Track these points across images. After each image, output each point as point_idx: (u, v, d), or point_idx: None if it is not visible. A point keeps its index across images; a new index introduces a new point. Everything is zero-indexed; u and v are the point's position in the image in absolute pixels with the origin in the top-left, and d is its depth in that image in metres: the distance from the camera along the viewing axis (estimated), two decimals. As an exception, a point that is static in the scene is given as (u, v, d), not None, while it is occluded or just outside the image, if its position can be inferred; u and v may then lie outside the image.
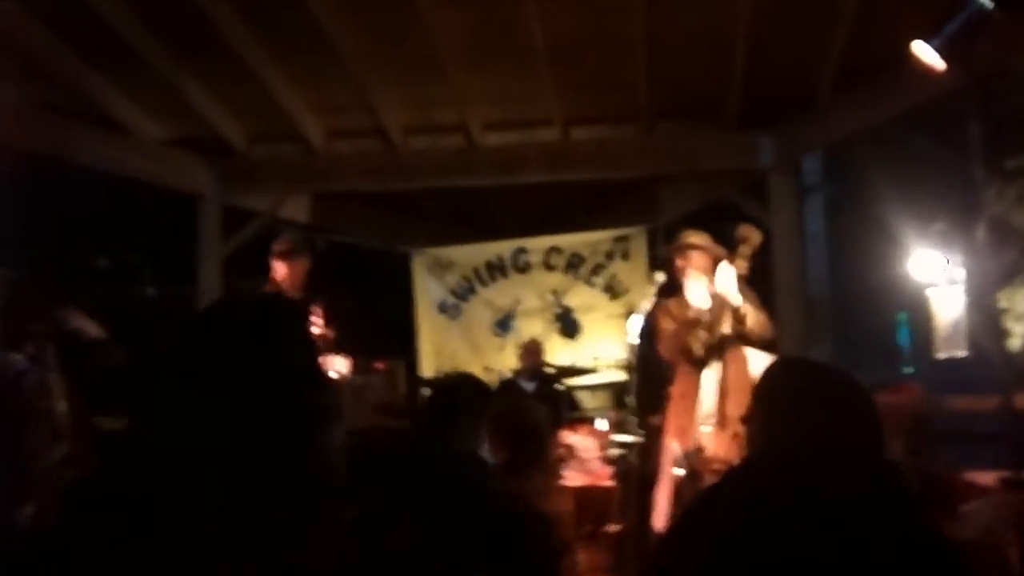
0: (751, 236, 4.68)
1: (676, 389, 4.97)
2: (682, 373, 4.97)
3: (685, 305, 4.94)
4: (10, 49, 5.69)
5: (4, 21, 5.38)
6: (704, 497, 2.28)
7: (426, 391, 7.84)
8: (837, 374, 2.24)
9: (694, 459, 4.42)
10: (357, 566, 2.45)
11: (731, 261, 4.69)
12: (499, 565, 2.58)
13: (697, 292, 4.76)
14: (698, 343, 4.71)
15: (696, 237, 5.02)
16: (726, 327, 4.65)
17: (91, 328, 4.93)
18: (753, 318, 4.67)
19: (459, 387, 3.33)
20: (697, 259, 4.94)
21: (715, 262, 4.90)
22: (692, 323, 4.75)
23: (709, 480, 4.29)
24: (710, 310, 4.68)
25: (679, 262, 4.98)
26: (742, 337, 4.64)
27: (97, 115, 6.57)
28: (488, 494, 2.80)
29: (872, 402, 2.12)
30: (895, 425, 3.62)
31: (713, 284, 4.80)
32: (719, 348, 4.66)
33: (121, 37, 5.61)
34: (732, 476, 2.27)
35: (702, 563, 1.93)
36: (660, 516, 4.95)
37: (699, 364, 4.77)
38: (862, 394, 2.12)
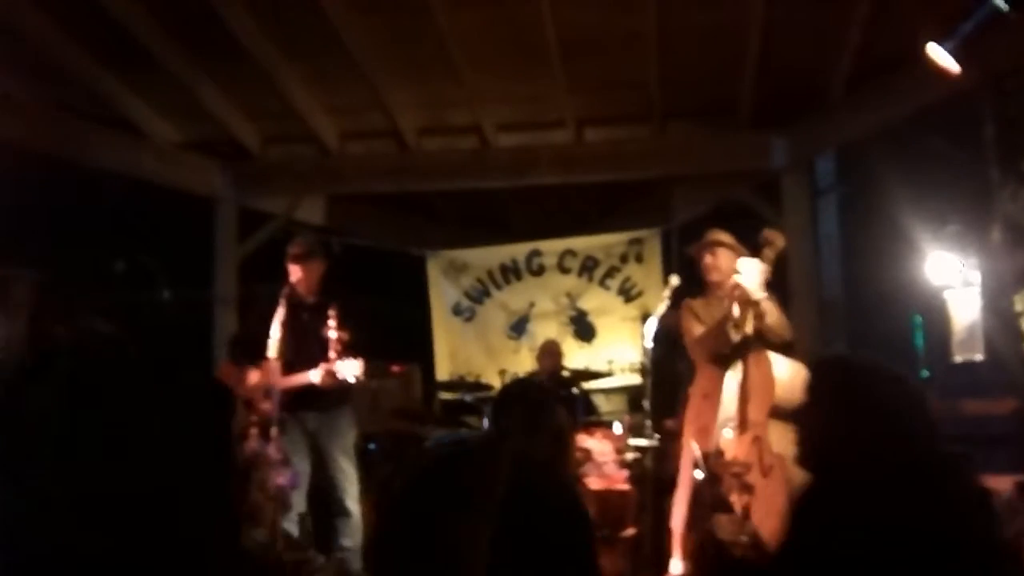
0: (776, 240, 4.66)
1: (698, 389, 4.95)
2: (704, 374, 4.95)
3: (714, 307, 4.93)
4: (27, 52, 5.74)
5: (20, 23, 5.42)
6: (809, 522, 2.19)
7: (448, 395, 7.88)
8: (894, 370, 2.23)
9: (714, 462, 4.41)
10: None
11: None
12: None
13: (751, 272, 4.64)
14: (730, 340, 4.67)
15: (724, 235, 5.02)
16: (749, 326, 4.62)
17: (106, 327, 4.97)
18: (774, 316, 4.65)
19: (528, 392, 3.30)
20: (724, 257, 4.94)
21: (737, 258, 4.90)
22: (723, 322, 4.71)
23: (728, 483, 4.29)
24: (739, 307, 4.64)
25: (708, 259, 4.97)
26: (762, 337, 4.62)
27: (113, 118, 6.61)
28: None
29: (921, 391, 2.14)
30: None
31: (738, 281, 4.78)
32: (743, 348, 4.64)
33: (137, 40, 5.64)
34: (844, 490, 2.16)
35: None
36: (678, 518, 4.94)
37: (725, 364, 4.75)
38: (918, 388, 2.14)
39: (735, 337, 4.64)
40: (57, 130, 6.52)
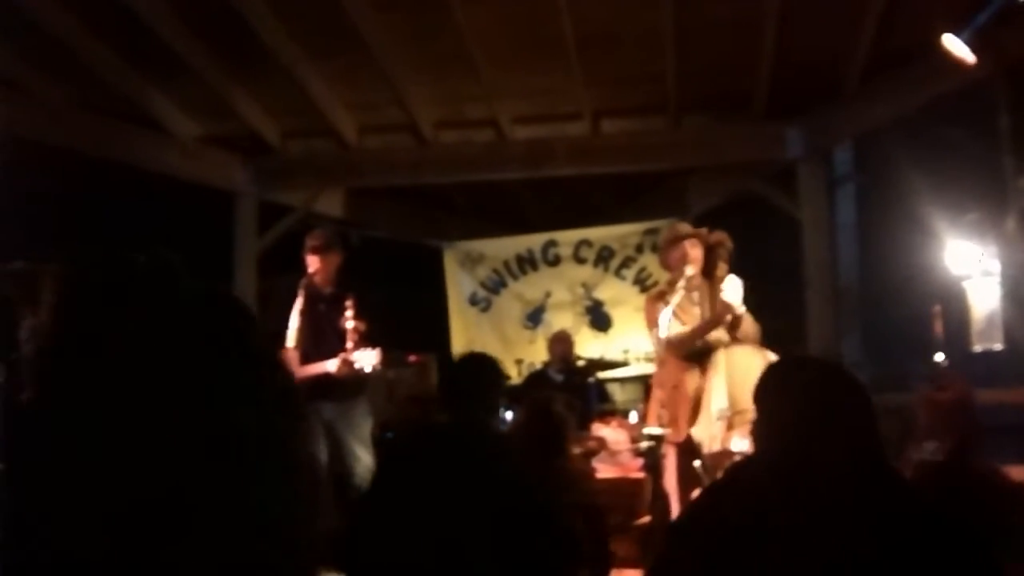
0: (724, 240, 4.95)
1: (664, 380, 5.02)
2: (672, 364, 5.02)
3: (684, 299, 5.00)
4: (52, 49, 5.83)
5: (46, 22, 5.50)
6: (707, 494, 2.33)
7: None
8: (829, 370, 2.31)
9: (711, 453, 4.48)
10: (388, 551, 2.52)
11: (712, 263, 4.87)
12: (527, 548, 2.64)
13: (737, 289, 4.82)
14: (708, 342, 4.83)
15: (687, 227, 5.18)
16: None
17: None
18: (747, 324, 4.79)
19: (471, 364, 3.35)
20: (699, 248, 5.04)
21: (707, 250, 5.01)
22: (718, 319, 4.85)
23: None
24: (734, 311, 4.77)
25: (690, 250, 5.04)
26: (733, 337, 4.78)
27: (136, 115, 6.70)
28: (520, 475, 2.86)
29: (864, 396, 2.15)
30: (934, 422, 3.60)
31: (700, 282, 4.94)
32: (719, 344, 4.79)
33: (160, 38, 5.71)
34: (734, 474, 2.33)
35: (704, 558, 1.99)
36: (676, 510, 4.99)
37: (695, 358, 4.87)
38: (854, 390, 2.16)
39: (724, 339, 4.79)
40: (81, 126, 6.61)
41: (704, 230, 5.14)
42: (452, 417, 3.04)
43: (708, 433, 4.60)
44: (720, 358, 4.75)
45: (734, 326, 4.79)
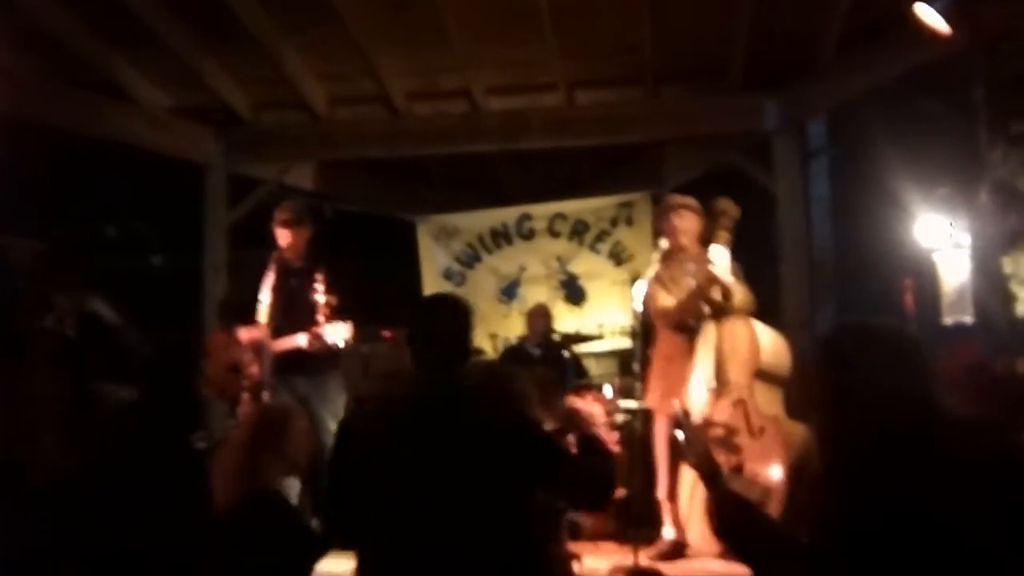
0: (729, 208, 4.87)
1: (660, 352, 5.04)
2: (665, 338, 5.04)
3: (675, 271, 5.00)
4: (17, 20, 5.69)
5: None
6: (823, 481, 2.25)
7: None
8: (906, 333, 2.31)
9: (690, 424, 4.48)
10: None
11: (712, 232, 4.83)
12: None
13: (723, 259, 4.79)
14: (701, 313, 4.80)
15: (687, 198, 5.12)
16: (716, 296, 4.77)
17: (108, 312, 5.01)
18: (740, 294, 4.78)
19: (434, 308, 3.24)
20: (690, 219, 5.02)
21: (703, 227, 5.00)
22: (701, 292, 4.83)
23: (712, 444, 4.34)
24: (707, 280, 4.76)
25: (676, 222, 5.03)
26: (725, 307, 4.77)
27: (104, 85, 6.57)
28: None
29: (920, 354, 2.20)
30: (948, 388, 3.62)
31: (696, 251, 4.92)
32: (715, 314, 4.77)
33: (127, 7, 5.61)
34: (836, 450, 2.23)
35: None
36: (662, 487, 5.01)
37: (687, 329, 4.87)
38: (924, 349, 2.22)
39: (706, 311, 4.78)
40: (48, 98, 6.47)
41: (692, 200, 5.11)
42: (428, 374, 2.97)
43: (693, 404, 4.61)
44: (709, 329, 4.75)
45: (726, 296, 4.76)
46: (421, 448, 2.70)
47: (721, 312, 4.80)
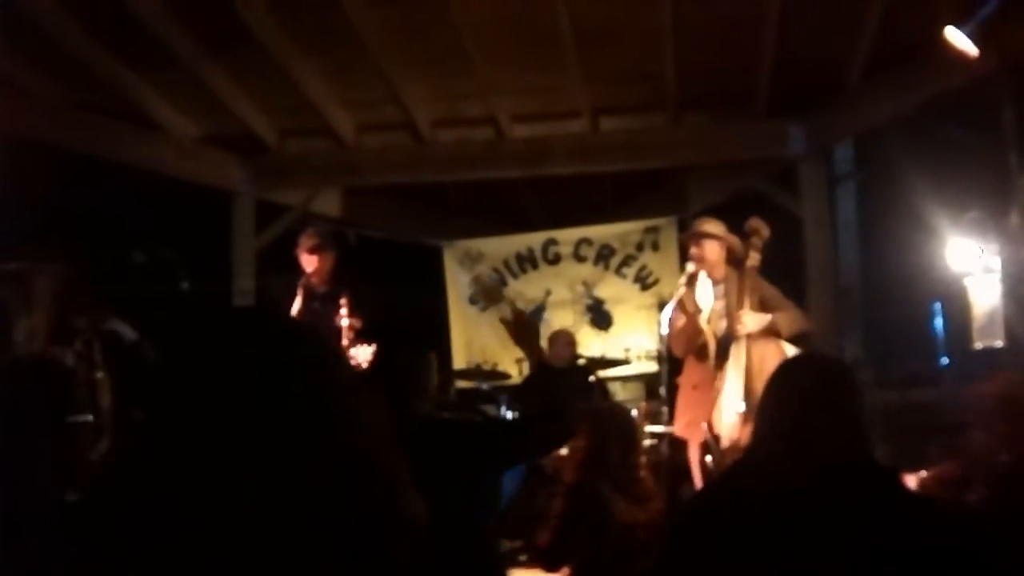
0: (761, 228, 4.80)
1: (687, 379, 5.00)
2: (691, 364, 5.00)
3: (697, 304, 4.97)
4: (49, 50, 5.79)
5: (43, 22, 5.47)
6: (706, 490, 2.41)
7: (464, 383, 7.90)
8: (821, 368, 2.38)
9: (720, 448, 4.44)
10: None
11: (745, 253, 4.77)
12: None
13: (702, 287, 4.80)
14: (703, 339, 4.78)
15: (711, 225, 5.07)
16: (750, 322, 4.70)
17: (127, 330, 5.04)
18: (753, 321, 4.69)
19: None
20: (711, 248, 4.97)
21: (730, 251, 4.95)
22: (694, 319, 4.82)
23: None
24: (723, 302, 4.72)
25: (694, 250, 5.01)
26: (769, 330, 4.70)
27: (133, 114, 6.67)
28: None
29: (855, 393, 2.24)
30: (979, 416, 3.56)
31: (725, 274, 4.89)
32: (730, 342, 4.72)
33: (156, 36, 5.68)
34: (733, 470, 2.40)
35: (702, 553, 2.05)
36: None
37: (707, 357, 4.83)
38: (842, 387, 2.25)
39: (702, 339, 4.74)
40: (79, 127, 6.58)
41: (715, 226, 5.06)
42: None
43: (722, 428, 4.56)
44: (739, 351, 4.69)
45: (738, 322, 4.71)
46: None
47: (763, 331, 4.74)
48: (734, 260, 4.95)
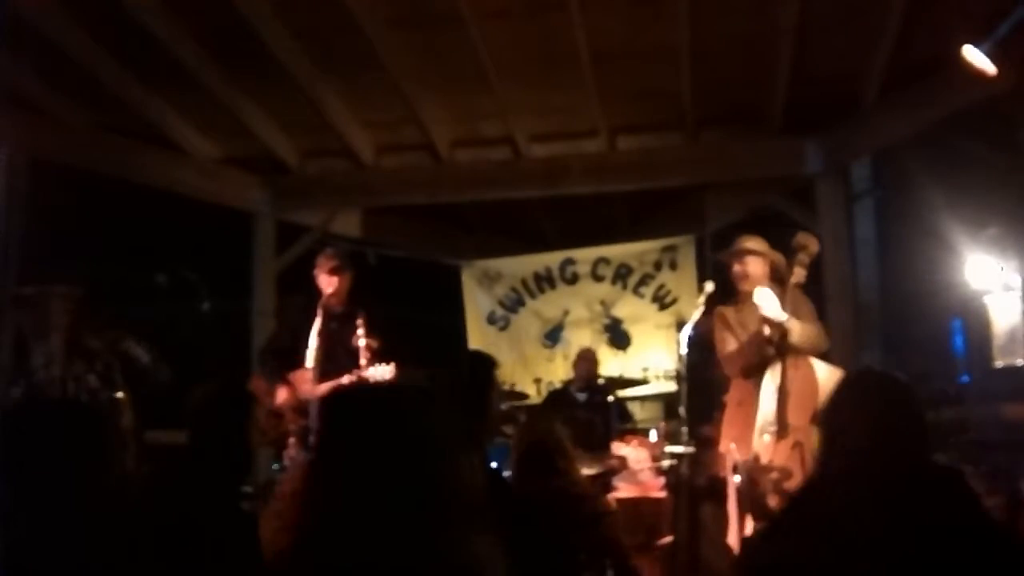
0: (809, 244, 4.69)
1: (732, 397, 4.95)
2: (737, 382, 4.96)
3: (745, 315, 4.92)
4: (71, 72, 5.87)
5: (65, 44, 5.55)
6: (786, 507, 2.51)
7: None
8: (888, 385, 2.41)
9: (752, 467, 4.40)
10: None
11: (789, 269, 4.70)
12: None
13: (768, 300, 4.69)
14: (763, 357, 4.70)
15: (753, 242, 5.01)
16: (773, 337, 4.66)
17: (142, 352, 5.10)
18: (799, 333, 4.65)
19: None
20: (754, 265, 4.94)
21: (772, 268, 4.90)
22: (758, 336, 4.73)
23: (766, 488, 4.27)
24: (774, 323, 4.65)
25: (737, 268, 4.97)
26: (784, 348, 4.65)
27: (155, 136, 6.74)
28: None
29: (918, 408, 2.29)
30: None
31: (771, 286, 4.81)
32: (779, 354, 4.66)
33: (177, 59, 5.75)
34: (810, 487, 2.45)
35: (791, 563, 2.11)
36: (732, 528, 4.89)
37: (757, 373, 4.77)
38: (908, 403, 2.30)
39: (769, 352, 4.66)
40: (101, 148, 6.66)
41: (758, 243, 5.01)
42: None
43: (754, 447, 4.52)
44: (774, 370, 4.64)
45: (783, 336, 4.63)
46: None
47: (782, 352, 4.68)
48: (776, 278, 4.91)
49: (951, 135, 6.22)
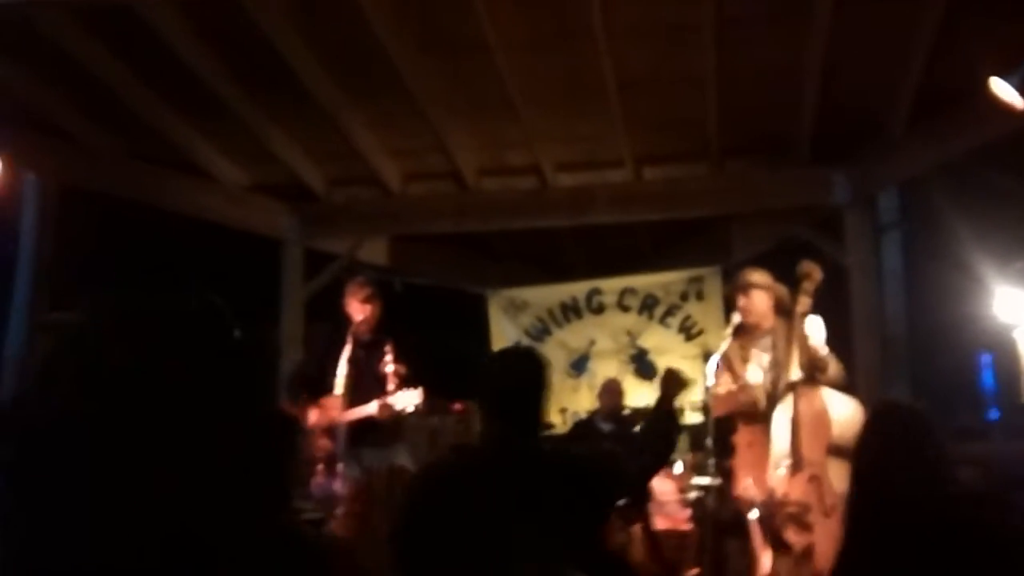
0: (813, 272, 4.70)
1: (741, 439, 4.94)
2: (741, 424, 4.96)
3: (749, 351, 4.92)
4: (101, 99, 5.96)
5: (95, 71, 5.63)
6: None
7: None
8: (899, 417, 2.54)
9: (768, 502, 4.37)
10: None
11: (794, 299, 4.70)
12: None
13: (818, 331, 4.68)
14: (755, 403, 4.72)
15: (757, 275, 5.01)
16: (795, 373, 4.63)
17: None
18: (834, 368, 4.63)
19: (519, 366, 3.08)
20: (758, 298, 4.93)
21: (777, 301, 4.90)
22: (744, 388, 4.76)
23: (783, 522, 4.25)
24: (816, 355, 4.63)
25: (742, 301, 4.97)
26: (815, 380, 4.62)
27: (184, 163, 6.82)
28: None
29: (932, 436, 2.42)
30: None
31: (773, 324, 4.83)
32: (784, 393, 4.65)
33: (206, 86, 5.82)
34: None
35: None
36: (765, 569, 4.85)
37: (754, 418, 4.78)
38: (922, 432, 2.43)
39: (761, 402, 4.66)
40: (131, 176, 6.74)
41: (762, 276, 5.01)
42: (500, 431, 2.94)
43: (773, 481, 4.50)
44: (786, 403, 4.63)
45: (820, 369, 4.63)
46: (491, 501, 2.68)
47: (807, 380, 4.66)
48: (782, 310, 4.91)
49: (979, 167, 6.19)
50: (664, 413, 3.28)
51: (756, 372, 4.88)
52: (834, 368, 4.70)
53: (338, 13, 5.19)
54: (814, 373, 4.60)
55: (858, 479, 2.49)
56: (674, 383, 3.38)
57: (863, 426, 2.59)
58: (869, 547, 2.27)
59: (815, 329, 4.63)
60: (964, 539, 2.18)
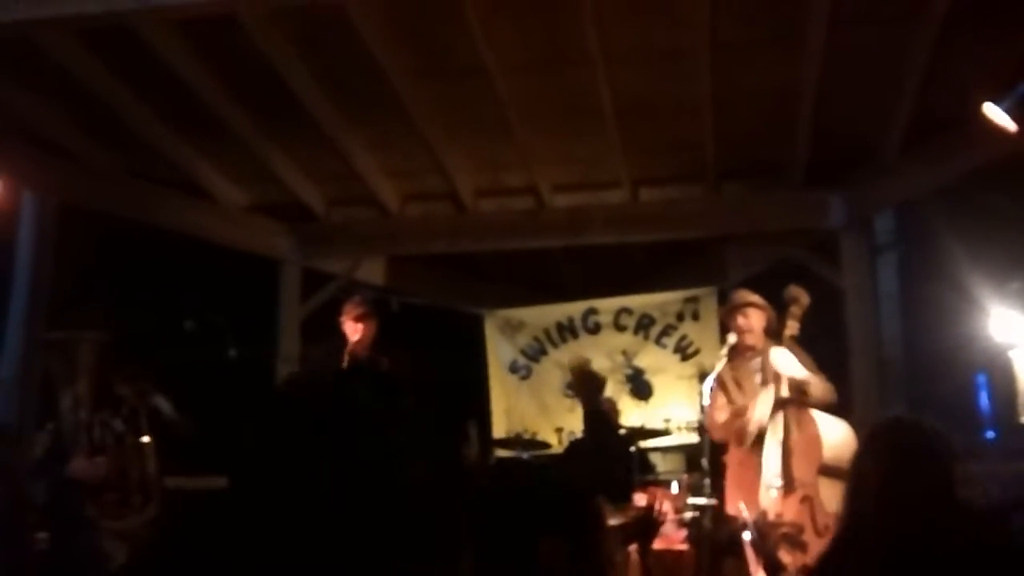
0: (800, 296, 4.75)
1: (732, 458, 4.96)
2: (733, 445, 4.97)
3: (742, 373, 4.93)
4: (100, 118, 5.99)
5: (95, 90, 5.67)
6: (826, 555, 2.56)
7: (504, 452, 7.90)
8: (908, 430, 2.56)
9: (761, 523, 4.38)
10: None
11: (782, 322, 4.73)
12: None
13: (785, 360, 4.70)
14: (745, 435, 4.73)
15: (753, 296, 5.05)
16: (783, 392, 4.66)
17: (166, 406, 5.16)
18: (818, 389, 4.66)
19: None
20: (756, 317, 4.96)
21: (769, 322, 4.93)
22: (741, 411, 4.78)
23: (776, 543, 4.25)
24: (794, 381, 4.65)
25: (742, 321, 4.99)
26: (804, 403, 4.65)
27: (183, 182, 6.84)
28: None
29: (941, 450, 2.44)
30: None
31: (764, 346, 4.85)
32: (780, 407, 4.66)
33: (206, 107, 5.86)
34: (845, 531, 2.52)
35: None
36: None
37: (744, 441, 4.79)
38: (931, 446, 2.46)
39: (751, 433, 4.68)
40: (129, 194, 6.76)
41: (757, 297, 5.04)
42: None
43: (765, 501, 4.51)
44: (776, 425, 4.65)
45: (804, 393, 4.65)
46: None
47: (797, 401, 4.68)
48: (771, 331, 4.94)
49: (974, 189, 6.22)
50: (594, 415, 3.24)
51: (767, 398, 4.83)
52: (822, 390, 4.72)
53: (337, 36, 5.23)
54: (803, 399, 4.63)
55: (863, 494, 2.44)
56: (582, 382, 3.39)
57: (873, 440, 2.56)
58: (877, 561, 2.23)
59: (782, 361, 4.66)
60: (975, 555, 2.17)
